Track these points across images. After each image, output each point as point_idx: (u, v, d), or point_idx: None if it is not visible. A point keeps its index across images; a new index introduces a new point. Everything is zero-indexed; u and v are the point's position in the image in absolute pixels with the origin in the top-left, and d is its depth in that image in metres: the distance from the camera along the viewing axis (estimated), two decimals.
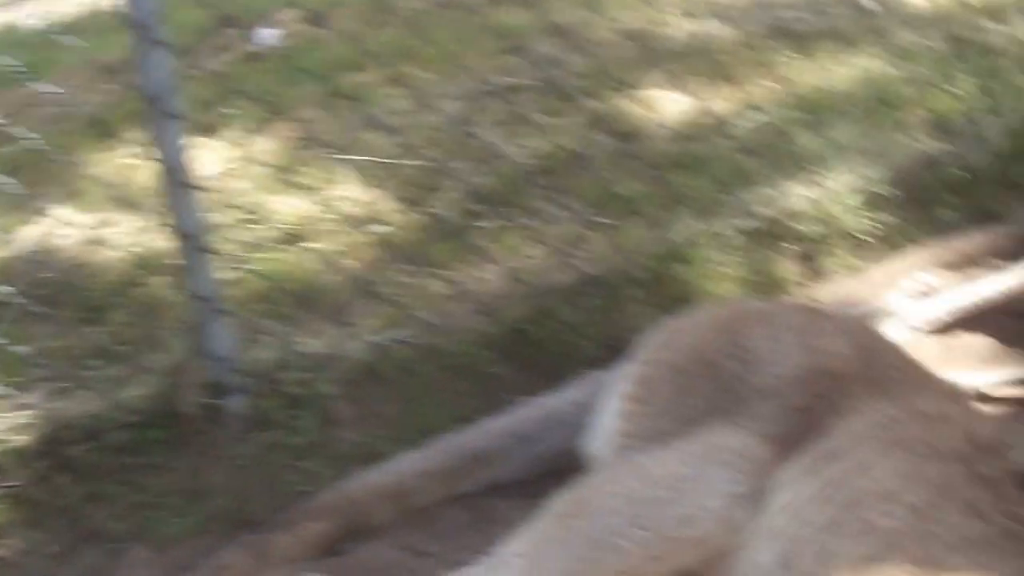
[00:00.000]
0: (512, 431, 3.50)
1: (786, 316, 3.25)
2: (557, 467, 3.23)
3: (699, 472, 2.87)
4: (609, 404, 3.21)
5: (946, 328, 4.27)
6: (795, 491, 2.84)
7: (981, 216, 4.71)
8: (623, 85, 4.74)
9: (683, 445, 2.94)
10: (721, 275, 4.17)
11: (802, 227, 4.42)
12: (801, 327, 3.18)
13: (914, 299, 4.34)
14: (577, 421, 3.37)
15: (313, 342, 3.79)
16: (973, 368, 4.13)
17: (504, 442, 3.48)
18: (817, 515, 2.75)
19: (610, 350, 3.36)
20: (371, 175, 4.44)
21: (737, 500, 2.84)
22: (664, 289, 4.02)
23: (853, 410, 2.97)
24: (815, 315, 3.35)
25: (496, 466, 3.48)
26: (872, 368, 3.09)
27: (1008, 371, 4.08)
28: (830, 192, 4.55)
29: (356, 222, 4.22)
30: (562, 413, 3.49)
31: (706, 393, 3.05)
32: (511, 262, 4.09)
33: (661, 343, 3.25)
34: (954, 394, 3.16)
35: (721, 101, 4.99)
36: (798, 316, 3.26)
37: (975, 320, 4.26)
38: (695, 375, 3.09)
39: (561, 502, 2.94)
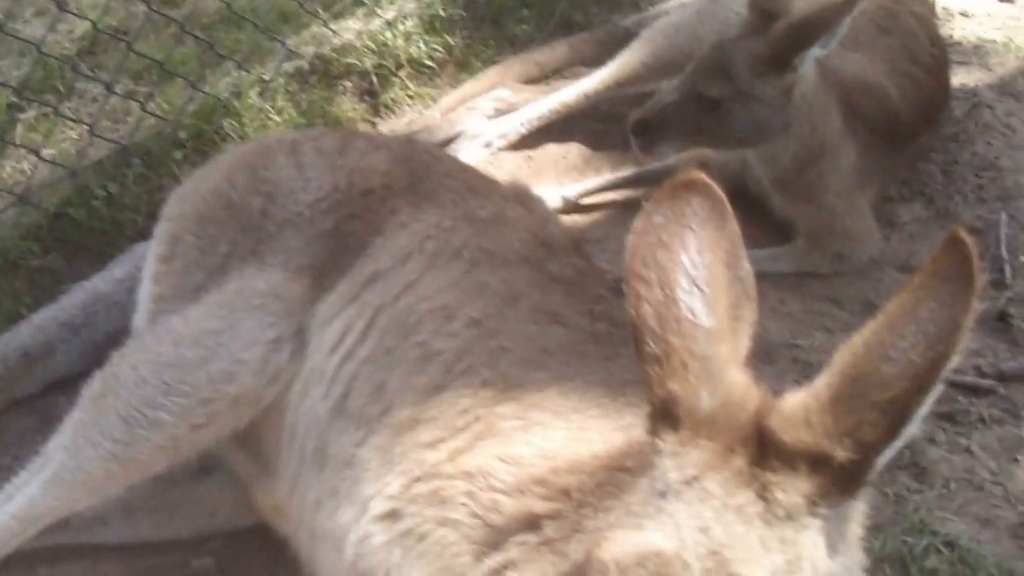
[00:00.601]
0: (58, 321, 3.04)
1: (314, 142, 2.85)
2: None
3: (229, 323, 2.50)
4: (146, 271, 2.80)
5: (529, 142, 4.03)
6: (340, 325, 2.50)
7: (561, 27, 4.45)
8: None
9: (212, 297, 2.57)
10: (273, 123, 3.80)
11: (358, 62, 4.07)
12: (331, 149, 2.80)
13: (492, 117, 4.07)
14: (125, 299, 2.96)
15: None
16: (563, 178, 3.92)
17: (51, 334, 3.03)
18: (366, 348, 2.42)
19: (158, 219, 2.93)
20: None
21: (274, 346, 2.50)
22: (211, 146, 3.65)
23: (398, 226, 2.62)
24: (348, 136, 2.97)
25: (49, 361, 3.03)
26: (420, 182, 2.73)
27: (598, 177, 3.88)
28: (387, 23, 4.20)
29: None
30: (108, 293, 3.06)
31: (233, 237, 2.66)
32: (49, 148, 3.63)
33: (184, 195, 2.85)
34: (518, 197, 2.80)
35: None
36: (327, 140, 2.87)
37: (562, 129, 4.03)
38: (220, 221, 2.69)
39: (95, 383, 2.56)
